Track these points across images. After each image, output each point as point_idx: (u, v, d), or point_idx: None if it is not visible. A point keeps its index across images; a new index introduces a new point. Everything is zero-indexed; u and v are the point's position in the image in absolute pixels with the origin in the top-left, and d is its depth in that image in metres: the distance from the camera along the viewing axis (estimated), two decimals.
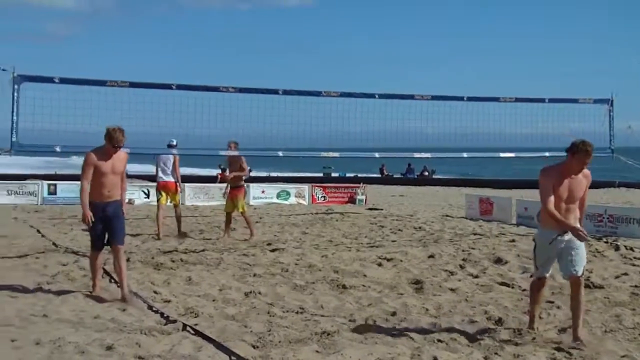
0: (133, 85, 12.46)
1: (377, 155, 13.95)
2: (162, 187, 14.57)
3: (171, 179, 14.56)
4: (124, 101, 12.45)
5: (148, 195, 23.39)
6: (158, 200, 14.57)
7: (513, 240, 14.06)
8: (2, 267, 10.51)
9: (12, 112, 11.66)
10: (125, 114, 12.32)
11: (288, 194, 25.95)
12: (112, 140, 8.38)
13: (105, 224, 8.59)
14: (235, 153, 13.66)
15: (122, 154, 8.64)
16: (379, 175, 46.63)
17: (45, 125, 12.04)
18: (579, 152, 6.82)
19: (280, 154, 13.34)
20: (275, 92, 13.22)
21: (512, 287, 9.49)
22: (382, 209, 22.86)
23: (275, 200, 25.40)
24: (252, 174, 43.77)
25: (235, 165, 14.25)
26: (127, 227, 16.07)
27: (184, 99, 12.79)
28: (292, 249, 12.86)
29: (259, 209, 22.38)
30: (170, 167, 14.54)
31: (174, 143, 14.07)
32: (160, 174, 14.56)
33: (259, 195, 25.22)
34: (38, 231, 15.15)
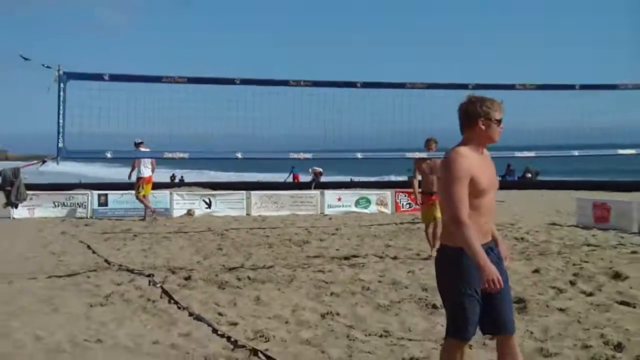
0: (191, 80, 12.72)
1: None
2: None
3: None
4: (182, 99, 12.79)
5: (209, 205, 23.76)
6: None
7: (635, 252, 13.77)
8: (51, 287, 10.87)
9: (59, 114, 11.70)
10: (184, 112, 12.72)
11: (368, 201, 25.74)
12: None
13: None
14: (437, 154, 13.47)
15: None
16: None
17: (94, 129, 12.20)
18: None
19: (359, 155, 13.27)
20: (351, 84, 13.33)
21: (634, 307, 9.28)
22: None
23: (353, 208, 25.34)
24: (326, 178, 44.70)
25: (436, 169, 13.45)
26: (187, 240, 16.82)
27: (249, 95, 12.98)
28: (373, 264, 12.93)
29: (335, 219, 22.51)
30: None
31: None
32: None
33: (335, 203, 25.28)
34: (89, 247, 15.59)
